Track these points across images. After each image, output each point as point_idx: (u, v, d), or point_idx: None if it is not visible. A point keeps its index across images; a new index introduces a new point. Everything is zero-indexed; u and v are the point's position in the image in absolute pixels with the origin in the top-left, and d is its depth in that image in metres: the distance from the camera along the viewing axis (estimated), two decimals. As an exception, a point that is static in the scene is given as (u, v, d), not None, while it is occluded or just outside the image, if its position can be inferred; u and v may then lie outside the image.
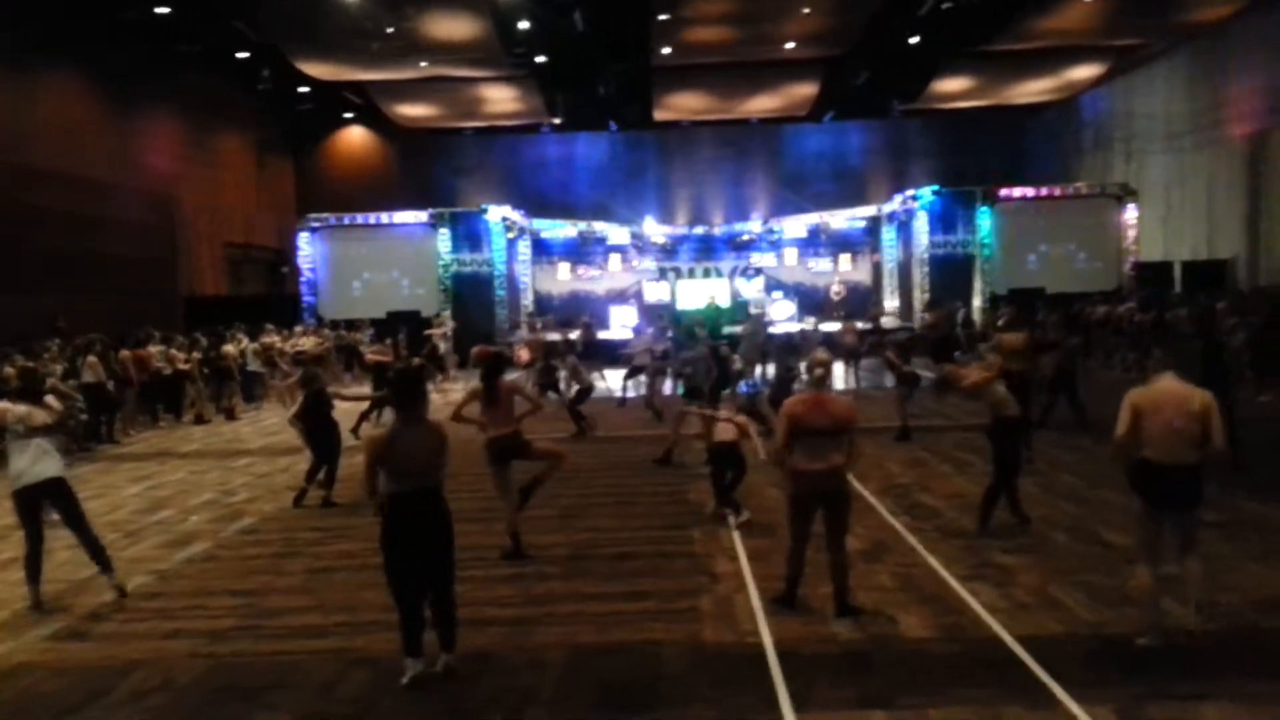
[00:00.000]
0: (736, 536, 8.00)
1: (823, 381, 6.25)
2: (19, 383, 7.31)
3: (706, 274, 28.11)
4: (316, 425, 9.91)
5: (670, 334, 17.17)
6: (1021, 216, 24.79)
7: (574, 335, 17.99)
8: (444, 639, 5.36)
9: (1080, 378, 13.12)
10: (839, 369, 17.44)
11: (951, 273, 24.40)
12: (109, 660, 5.85)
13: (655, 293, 27.22)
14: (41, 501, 6.90)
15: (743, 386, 13.39)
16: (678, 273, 28.03)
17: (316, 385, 10.15)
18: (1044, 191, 25.47)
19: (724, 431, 8.62)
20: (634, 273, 27.99)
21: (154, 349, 16.20)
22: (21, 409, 6.92)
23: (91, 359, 14.15)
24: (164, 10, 20.40)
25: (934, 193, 24.75)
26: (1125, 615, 5.87)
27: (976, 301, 24.25)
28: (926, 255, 24.61)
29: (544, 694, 5.17)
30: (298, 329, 21.42)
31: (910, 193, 25.40)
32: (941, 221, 24.80)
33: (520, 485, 7.86)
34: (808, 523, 6.12)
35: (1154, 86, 26.30)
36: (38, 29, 19.55)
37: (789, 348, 14.46)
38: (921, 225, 24.71)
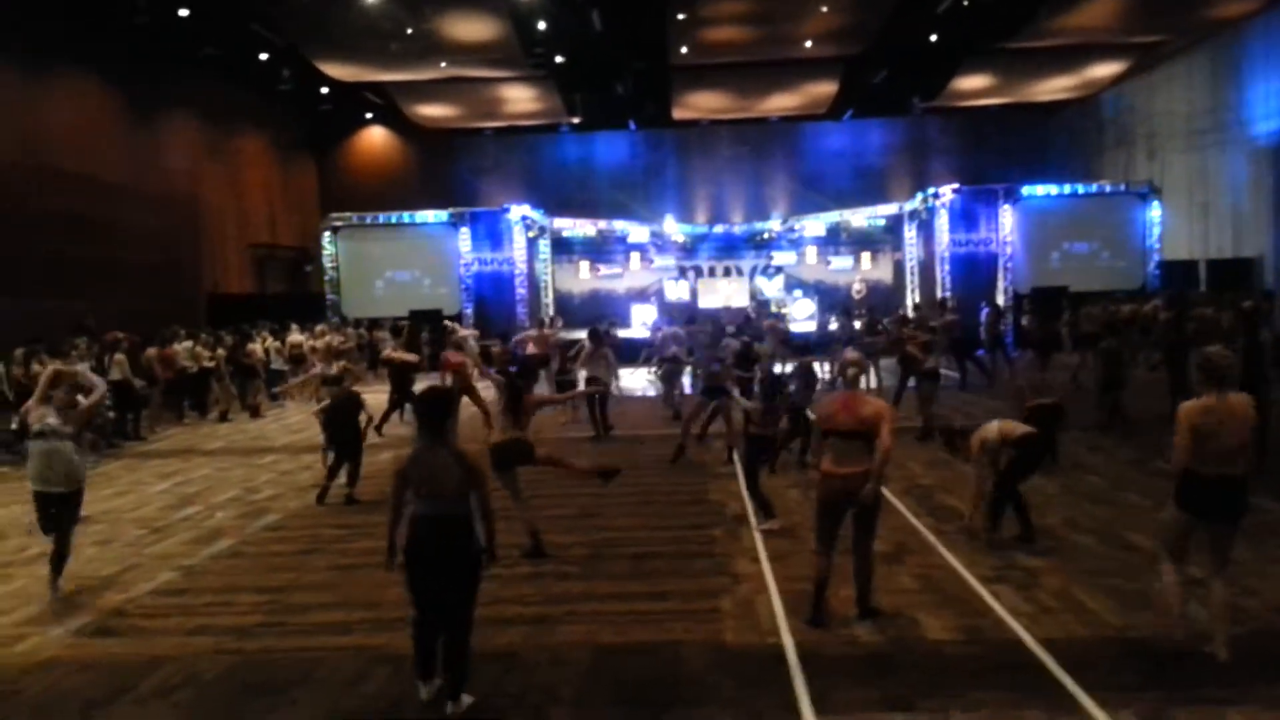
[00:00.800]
0: (758, 537, 8.00)
1: (856, 381, 6.23)
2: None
3: (727, 273, 28.07)
4: (341, 422, 10.02)
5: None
6: (1044, 214, 24.56)
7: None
8: (447, 685, 4.98)
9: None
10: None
11: (974, 271, 24.24)
12: (135, 655, 5.92)
13: (676, 291, 27.21)
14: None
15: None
16: (698, 271, 28.00)
17: (344, 385, 10.27)
18: (1067, 189, 25.28)
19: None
20: (654, 271, 27.98)
21: (180, 347, 16.36)
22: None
23: (119, 357, 14.34)
24: (184, 13, 20.54)
25: (955, 190, 24.59)
26: (1150, 619, 5.83)
27: (1000, 300, 24.09)
28: (948, 254, 24.46)
29: (565, 693, 5.20)
30: (319, 327, 21.58)
31: (931, 190, 25.24)
32: (963, 219, 24.63)
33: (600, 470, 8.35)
34: (834, 527, 6.01)
35: (1176, 84, 26.01)
36: (57, 33, 19.71)
37: (824, 346, 14.43)
38: (943, 223, 24.54)
